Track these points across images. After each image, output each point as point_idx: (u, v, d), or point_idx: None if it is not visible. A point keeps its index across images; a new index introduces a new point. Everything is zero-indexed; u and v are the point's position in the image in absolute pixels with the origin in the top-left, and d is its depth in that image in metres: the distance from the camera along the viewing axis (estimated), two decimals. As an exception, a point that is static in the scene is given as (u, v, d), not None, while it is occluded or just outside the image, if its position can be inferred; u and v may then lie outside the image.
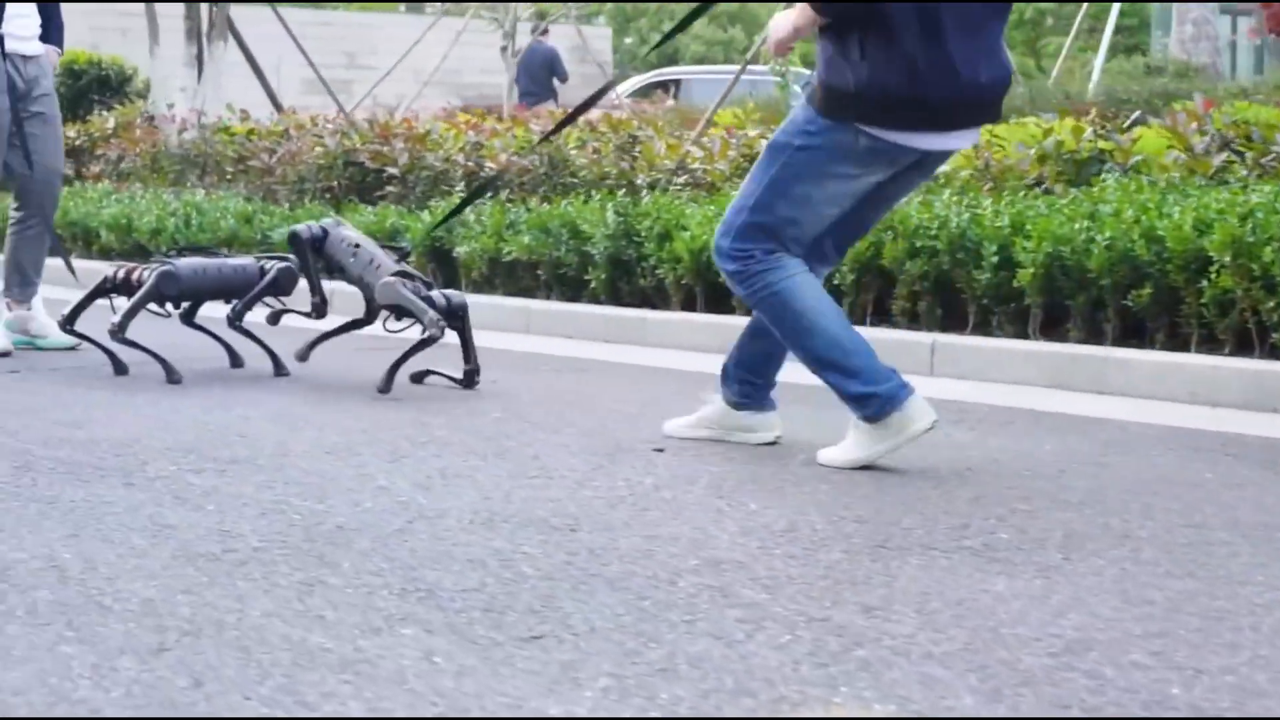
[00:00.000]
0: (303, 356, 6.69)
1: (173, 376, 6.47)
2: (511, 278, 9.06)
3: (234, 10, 14.86)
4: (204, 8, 15.05)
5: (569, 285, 8.86)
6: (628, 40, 44.39)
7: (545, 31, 21.01)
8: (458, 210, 6.90)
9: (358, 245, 6.54)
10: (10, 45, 7.19)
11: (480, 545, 3.84)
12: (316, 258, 6.63)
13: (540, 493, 4.45)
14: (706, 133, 10.33)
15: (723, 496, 4.43)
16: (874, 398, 4.75)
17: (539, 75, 20.94)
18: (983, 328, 7.28)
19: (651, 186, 9.70)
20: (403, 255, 6.71)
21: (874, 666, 2.97)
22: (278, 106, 14.24)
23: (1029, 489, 4.58)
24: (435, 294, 6.43)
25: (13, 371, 6.69)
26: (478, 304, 8.57)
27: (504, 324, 8.55)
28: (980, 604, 3.39)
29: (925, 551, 3.83)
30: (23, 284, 7.51)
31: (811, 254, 4.90)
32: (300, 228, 6.65)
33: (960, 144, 4.81)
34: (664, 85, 25.63)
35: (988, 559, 3.77)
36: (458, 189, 10.52)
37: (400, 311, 6.34)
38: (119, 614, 3.25)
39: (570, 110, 6.52)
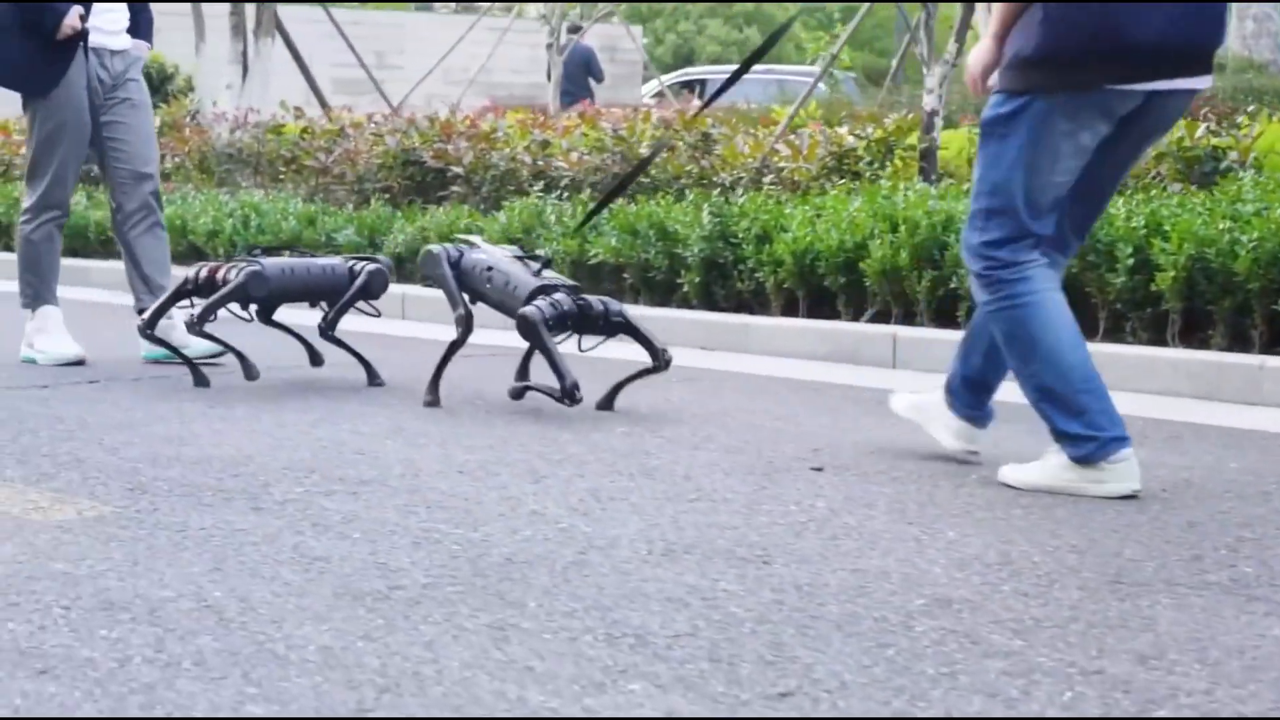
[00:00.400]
0: (603, 405, 5.85)
1: (251, 373, 6.16)
2: (596, 281, 8.65)
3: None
4: (250, 5, 14.68)
5: (658, 289, 8.47)
6: (644, 40, 44.01)
7: (579, 30, 20.67)
8: (610, 198, 6.11)
9: (490, 269, 5.92)
10: (97, 39, 6.88)
11: (671, 580, 3.46)
12: (456, 272, 5.98)
13: (709, 518, 4.08)
14: (788, 130, 9.93)
15: (912, 523, 4.05)
16: (1090, 441, 4.34)
17: (576, 75, 20.59)
18: (1114, 334, 6.89)
19: (732, 186, 9.26)
20: (544, 264, 6.03)
21: (1186, 731, 2.58)
22: (324, 104, 13.85)
23: (1245, 514, 4.19)
24: (593, 300, 5.84)
25: (91, 381, 6.31)
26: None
27: (592, 329, 8.16)
28: (1265, 652, 3.00)
29: (1170, 588, 3.45)
30: (152, 289, 7.00)
31: (1054, 242, 4.50)
32: (437, 249, 6.01)
33: (1175, 86, 4.30)
34: (689, 85, 25.32)
35: (1245, 598, 3.39)
36: (534, 190, 10.11)
37: (544, 351, 5.64)
38: (299, 666, 2.87)
39: (622, 178, 6.19)
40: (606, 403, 5.82)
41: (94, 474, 4.55)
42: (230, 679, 2.80)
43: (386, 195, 11.15)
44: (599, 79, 21.34)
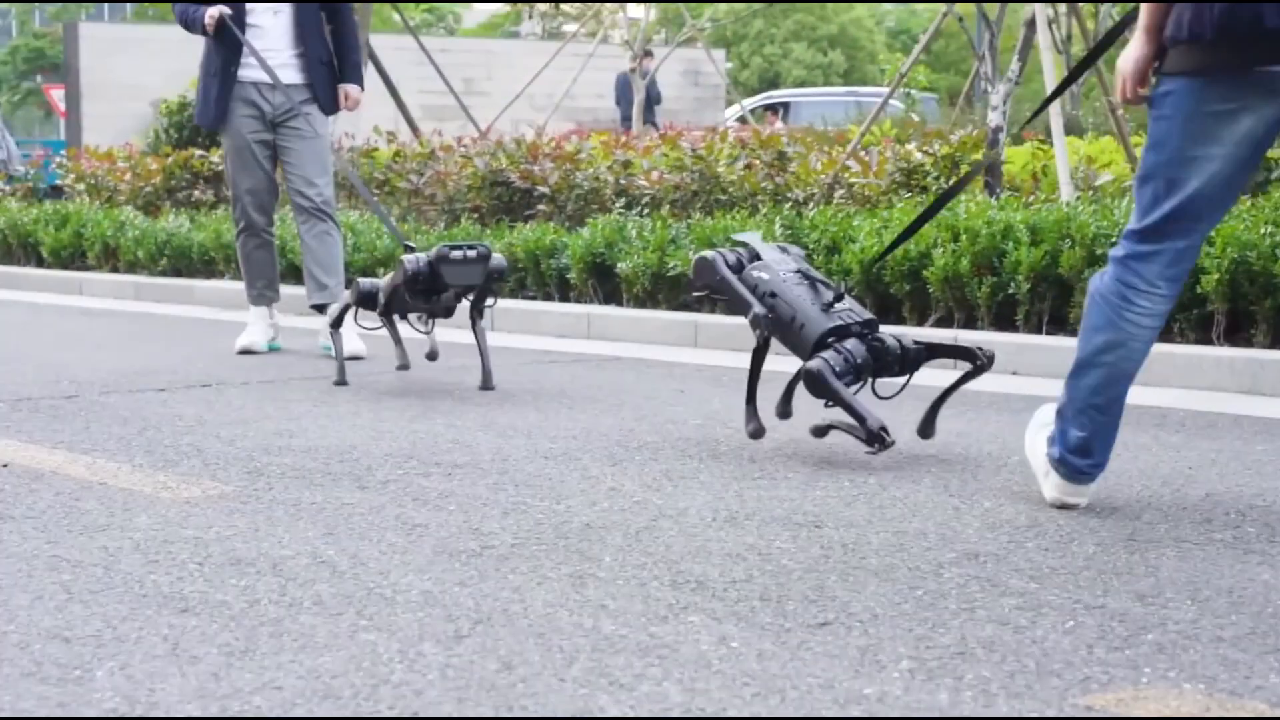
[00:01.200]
0: (925, 433, 5.27)
1: (403, 362, 6.70)
2: (674, 292, 9.12)
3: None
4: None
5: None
6: (729, 65, 44.52)
7: (649, 55, 21.11)
8: (914, 228, 4.94)
9: (775, 295, 5.19)
10: (250, 75, 7.92)
11: (732, 541, 3.89)
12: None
13: (770, 492, 4.51)
14: (859, 148, 10.35)
15: (953, 495, 4.46)
16: (1062, 458, 4.26)
17: (634, 99, 21.04)
18: (1164, 334, 7.26)
19: (805, 201, 9.72)
20: (837, 296, 5.19)
21: (1169, 650, 3.00)
22: (414, 129, 14.37)
23: (1260, 486, 4.58)
24: (888, 338, 5.14)
25: (205, 385, 6.81)
26: (640, 319, 8.67)
27: (672, 338, 8.61)
28: (1251, 592, 3.41)
29: (1177, 544, 3.85)
30: (318, 288, 7.95)
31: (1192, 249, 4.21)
32: (711, 255, 5.33)
33: None
34: (773, 107, 25.79)
35: (1243, 551, 3.79)
36: (616, 207, 10.59)
37: (840, 404, 4.98)
38: (404, 604, 3.33)
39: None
40: (926, 427, 5.25)
41: (214, 461, 5.02)
42: (345, 614, 3.26)
43: (475, 214, 11.68)
44: (657, 100, 21.87)
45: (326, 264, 7.95)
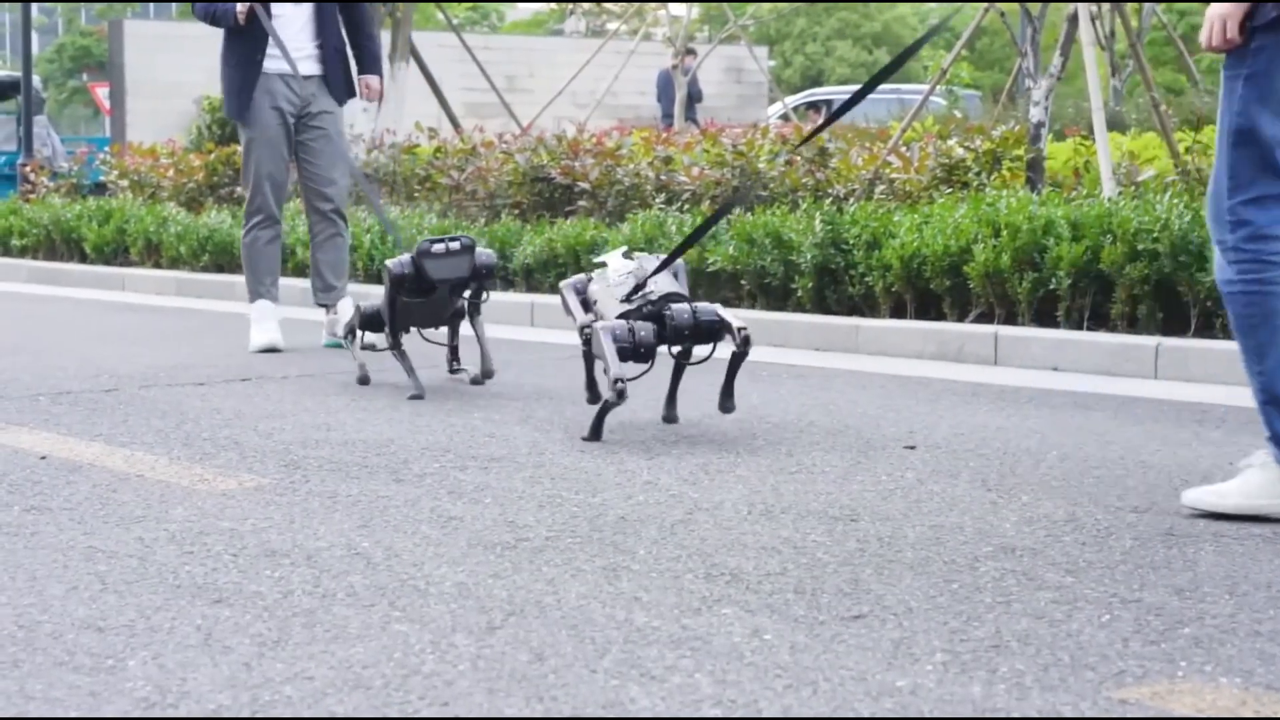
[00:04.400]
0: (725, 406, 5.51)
1: (417, 391, 6.37)
2: (715, 288, 9.09)
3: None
4: (386, 32, 15.26)
5: (773, 294, 8.88)
6: (771, 63, 44.45)
7: (692, 53, 21.11)
8: None
9: (596, 302, 5.61)
10: (275, 66, 7.97)
11: (768, 534, 3.88)
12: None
13: (808, 486, 4.49)
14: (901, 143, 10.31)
15: (991, 490, 4.44)
16: None
17: (675, 97, 21.07)
18: (1205, 331, 7.23)
19: (845, 197, 9.69)
20: (636, 287, 5.46)
21: (1205, 643, 2.97)
22: (456, 126, 14.38)
23: (1300, 481, 4.54)
24: (679, 311, 5.35)
25: (244, 379, 6.82)
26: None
27: (710, 334, 8.59)
28: (1290, 587, 3.38)
29: (1217, 539, 3.82)
30: (325, 288, 8.14)
31: None
32: (564, 284, 5.73)
33: None
34: (815, 105, 25.73)
35: (1283, 545, 3.76)
36: (657, 203, 10.57)
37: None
38: (437, 596, 3.32)
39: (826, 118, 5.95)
40: (725, 401, 5.49)
41: (251, 454, 5.03)
42: (378, 606, 3.26)
43: (516, 210, 11.68)
44: (698, 99, 21.88)
45: (336, 266, 8.17)
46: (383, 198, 13.08)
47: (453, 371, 6.89)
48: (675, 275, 5.58)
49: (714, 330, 5.37)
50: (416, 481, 4.56)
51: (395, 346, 6.58)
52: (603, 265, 5.74)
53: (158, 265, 13.03)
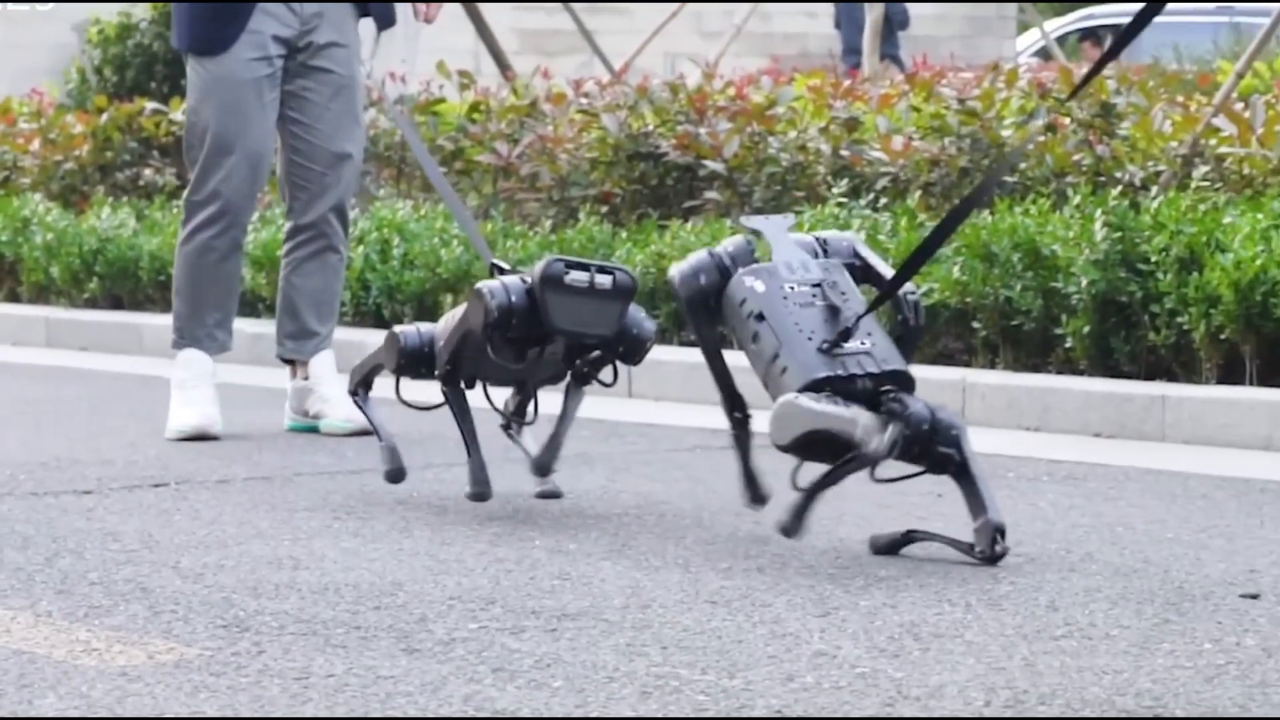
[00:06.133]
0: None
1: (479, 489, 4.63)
2: (931, 331, 6.69)
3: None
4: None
5: (1026, 344, 6.73)
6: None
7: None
8: None
9: (762, 317, 4.18)
10: None
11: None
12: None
13: (1081, 660, 3.05)
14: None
15: None
16: None
17: (865, 20, 15.38)
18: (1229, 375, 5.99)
19: (1144, 184, 7.44)
20: (844, 333, 4.05)
21: None
22: (504, 68, 10.80)
23: None
24: (916, 407, 4.06)
25: (158, 485, 5.10)
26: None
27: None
28: None
29: None
30: (297, 334, 5.96)
31: None
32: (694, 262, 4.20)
33: None
34: (1092, 34, 20.01)
35: None
36: (835, 193, 8.05)
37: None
38: None
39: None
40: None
41: (168, 607, 3.58)
42: None
43: (604, 206, 9.19)
44: (903, 25, 16.77)
45: (322, 301, 6.00)
46: (385, 185, 10.48)
47: (507, 432, 4.91)
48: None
49: (957, 441, 3.96)
50: (441, 653, 3.18)
51: (452, 382, 4.73)
52: (754, 235, 4.25)
53: (14, 298, 10.13)
